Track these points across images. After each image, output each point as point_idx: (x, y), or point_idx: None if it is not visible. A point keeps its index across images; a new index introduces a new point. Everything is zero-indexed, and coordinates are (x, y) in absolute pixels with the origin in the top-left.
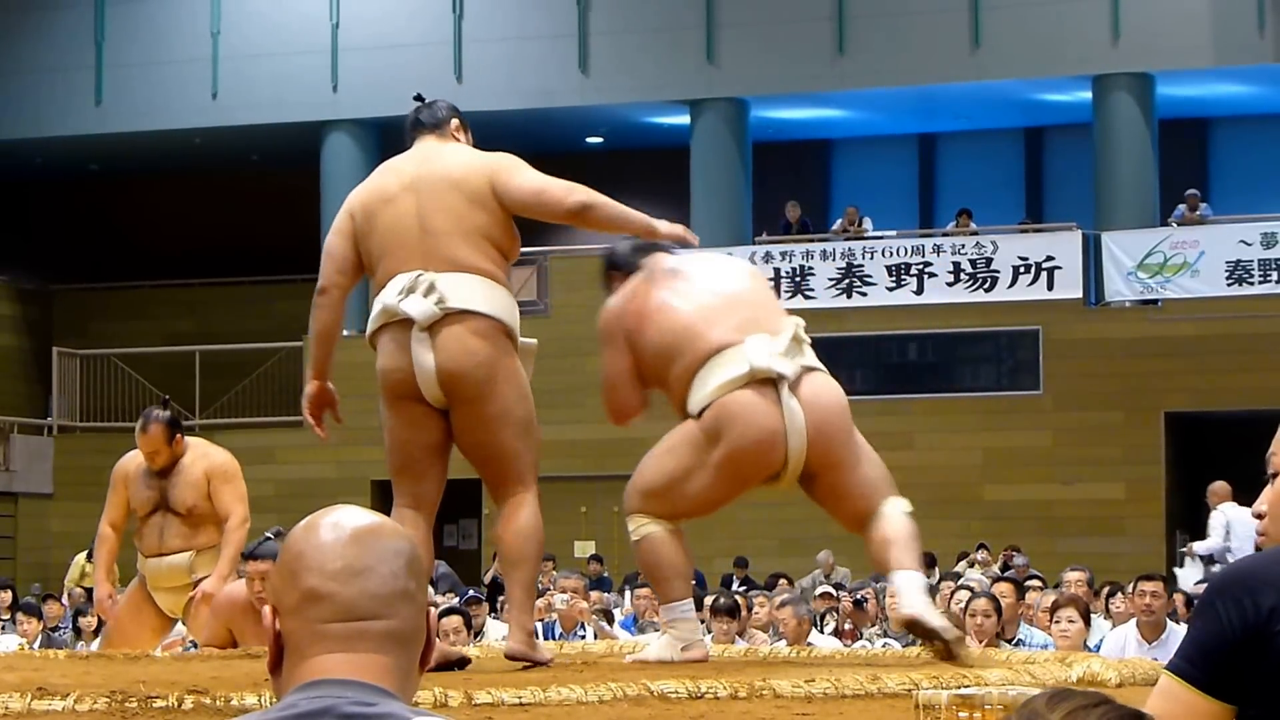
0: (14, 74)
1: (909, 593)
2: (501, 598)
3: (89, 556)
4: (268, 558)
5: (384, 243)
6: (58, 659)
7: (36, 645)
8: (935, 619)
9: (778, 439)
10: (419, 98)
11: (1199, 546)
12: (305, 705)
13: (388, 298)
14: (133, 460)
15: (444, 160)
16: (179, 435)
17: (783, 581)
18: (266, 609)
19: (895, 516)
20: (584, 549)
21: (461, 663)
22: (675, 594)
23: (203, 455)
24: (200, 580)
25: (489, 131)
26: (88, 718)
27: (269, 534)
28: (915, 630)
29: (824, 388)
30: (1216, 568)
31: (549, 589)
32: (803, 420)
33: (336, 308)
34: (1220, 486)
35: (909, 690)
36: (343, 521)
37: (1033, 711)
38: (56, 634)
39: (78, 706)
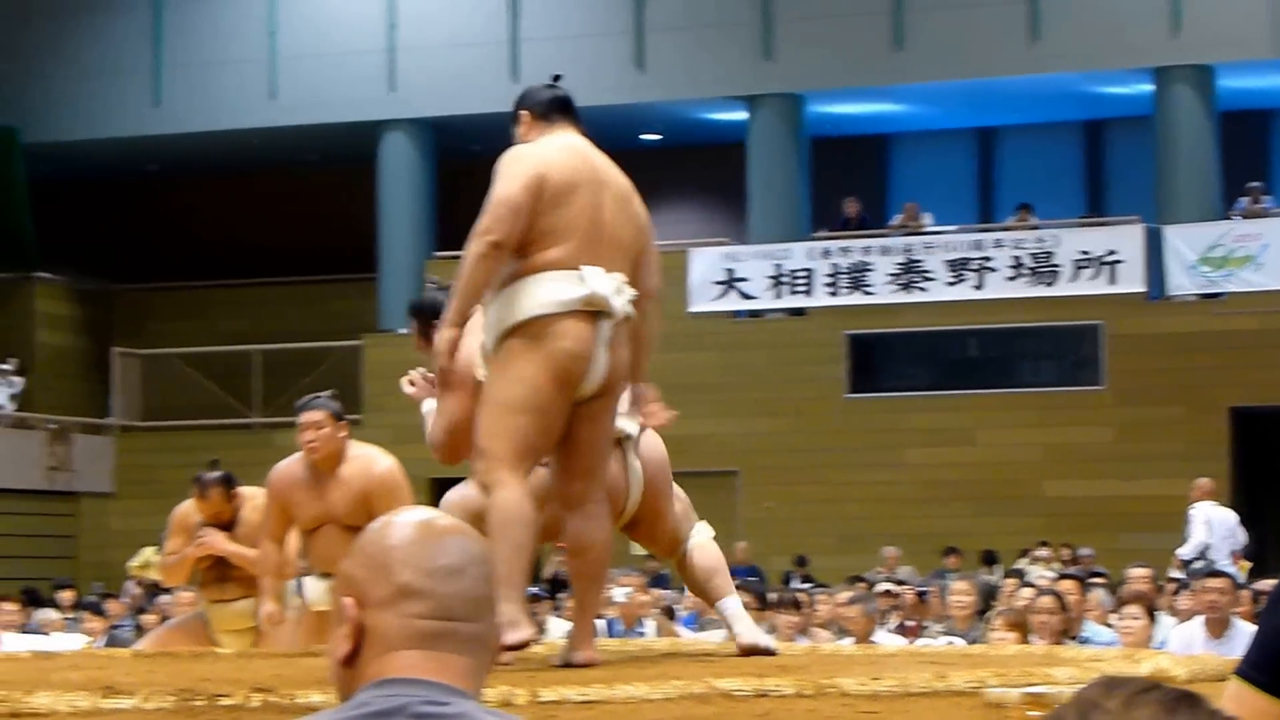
0: (73, 76)
1: (740, 620)
2: (565, 594)
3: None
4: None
5: (572, 227)
6: (122, 657)
7: (100, 644)
8: (766, 641)
9: (621, 493)
10: (558, 77)
11: (1183, 551)
12: (378, 704)
13: (599, 286)
14: (192, 509)
15: (615, 170)
16: (235, 491)
17: (860, 585)
18: (347, 600)
19: (708, 545)
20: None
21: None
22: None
23: (258, 508)
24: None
25: None
26: (155, 716)
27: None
28: (755, 654)
29: (652, 442)
30: (1201, 564)
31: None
32: (641, 474)
33: (501, 266)
34: (1205, 483)
35: (976, 689)
36: (432, 522)
37: (1089, 702)
38: (119, 632)
39: (145, 705)
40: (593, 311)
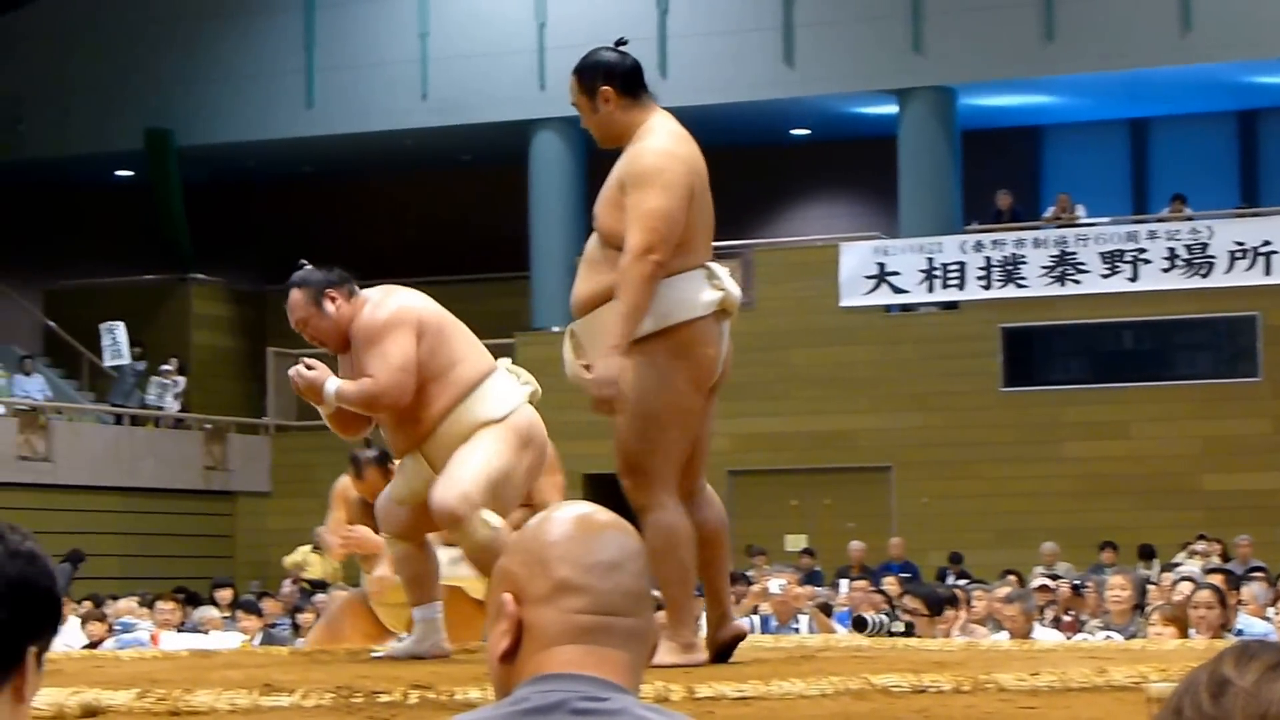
0: (227, 79)
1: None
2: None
3: (313, 548)
4: None
5: (698, 224)
6: (280, 655)
7: (256, 642)
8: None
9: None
10: (623, 41)
11: None
12: (537, 699)
13: (730, 286)
14: (347, 485)
15: None
16: (392, 466)
17: (1011, 578)
18: (507, 596)
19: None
20: (795, 542)
21: None
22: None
23: None
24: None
25: (694, 127)
26: (314, 713)
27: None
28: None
29: None
30: None
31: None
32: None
33: None
34: None
35: (1137, 684)
36: (591, 516)
37: (1220, 679)
38: (275, 630)
39: (303, 702)
40: (713, 311)
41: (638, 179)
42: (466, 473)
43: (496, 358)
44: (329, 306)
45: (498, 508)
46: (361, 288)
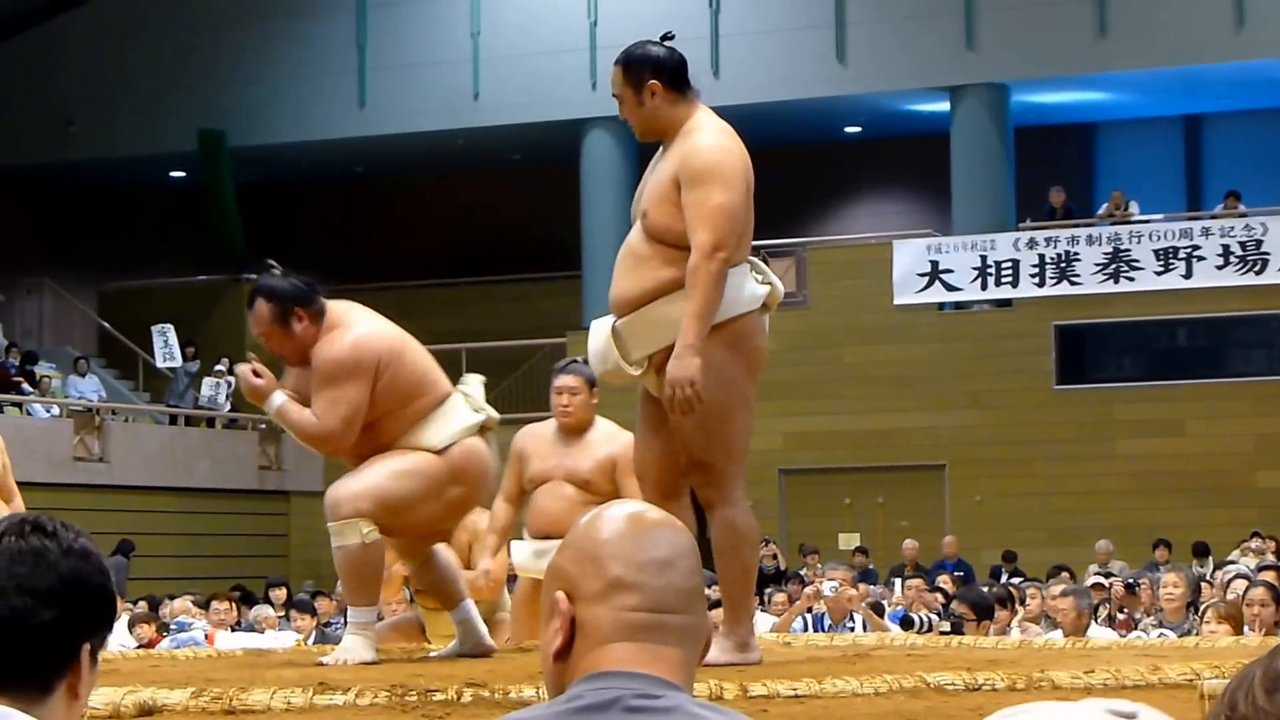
0: (279, 79)
1: (480, 622)
2: (769, 589)
3: None
4: (579, 374)
5: (749, 220)
6: None
7: (310, 641)
8: (491, 642)
9: (491, 482)
10: (669, 35)
11: None
12: (591, 697)
13: (774, 279)
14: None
15: None
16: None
17: (1064, 574)
18: (560, 594)
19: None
20: (848, 541)
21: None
22: (375, 600)
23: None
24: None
25: (746, 125)
26: (368, 712)
27: None
28: (480, 655)
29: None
30: None
31: (815, 580)
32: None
33: None
34: None
35: (1191, 681)
36: (643, 514)
37: (1275, 674)
38: (330, 630)
39: (358, 701)
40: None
41: (697, 176)
42: (372, 480)
43: (549, 357)
44: (295, 326)
45: (385, 525)
46: (409, 289)
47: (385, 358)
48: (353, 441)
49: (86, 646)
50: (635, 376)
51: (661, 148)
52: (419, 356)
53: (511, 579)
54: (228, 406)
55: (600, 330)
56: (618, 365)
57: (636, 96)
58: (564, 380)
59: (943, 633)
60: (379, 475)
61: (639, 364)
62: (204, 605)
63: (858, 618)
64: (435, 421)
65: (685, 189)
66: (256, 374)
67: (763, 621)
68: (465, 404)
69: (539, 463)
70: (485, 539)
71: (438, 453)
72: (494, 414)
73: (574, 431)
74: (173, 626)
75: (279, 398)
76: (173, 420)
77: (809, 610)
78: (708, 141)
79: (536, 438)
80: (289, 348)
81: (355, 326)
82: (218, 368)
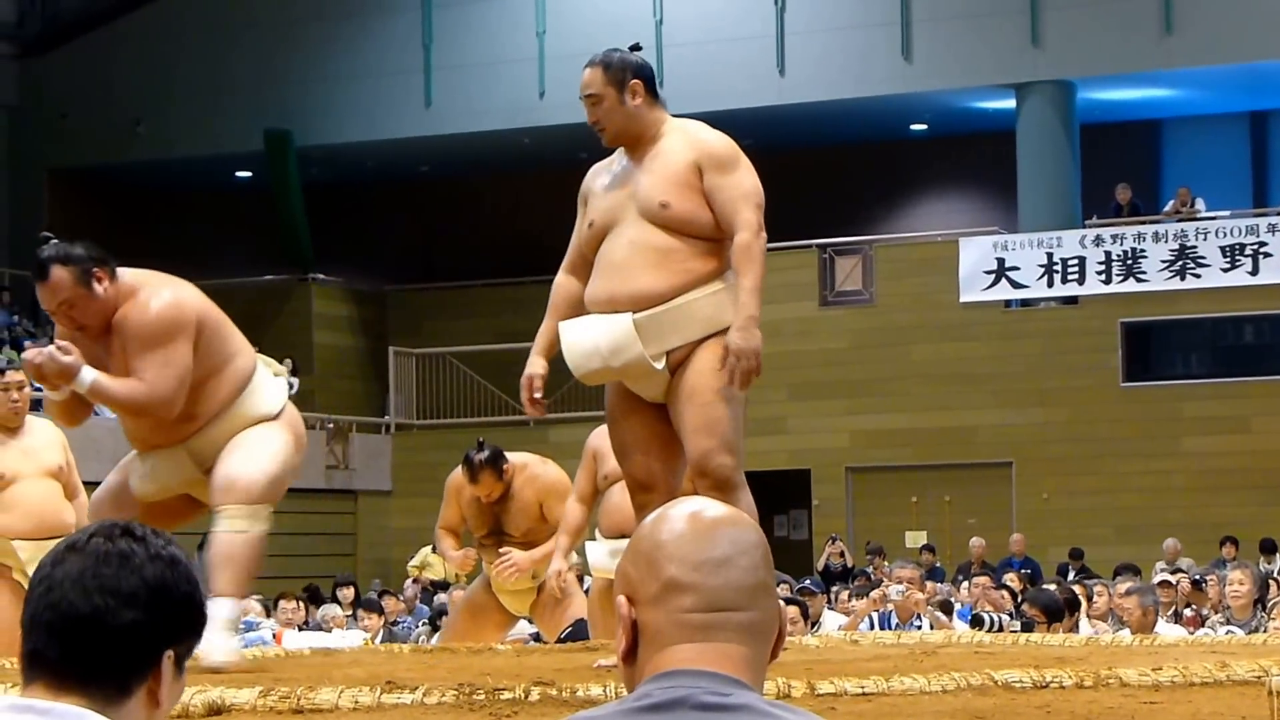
0: (346, 79)
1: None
2: (836, 587)
3: (434, 549)
4: None
5: None
6: (402, 653)
7: (378, 640)
8: (221, 659)
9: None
10: (637, 46)
11: None
12: (659, 695)
13: None
14: (462, 479)
15: None
16: (506, 465)
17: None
18: (621, 598)
19: (224, 536)
20: (915, 539)
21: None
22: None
23: (531, 478)
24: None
25: (812, 123)
26: (436, 710)
27: None
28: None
29: None
30: None
31: (883, 580)
32: None
33: None
34: None
35: (1259, 678)
36: (700, 512)
37: None
38: (397, 629)
39: (426, 699)
40: None
41: (725, 161)
42: (259, 465)
43: None
44: (97, 289)
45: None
46: (474, 289)
47: (202, 316)
48: (182, 405)
49: (170, 654)
50: (658, 372)
51: (624, 155)
52: (226, 319)
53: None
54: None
55: (609, 326)
56: (641, 360)
57: (619, 96)
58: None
59: (1013, 633)
60: (262, 459)
61: (658, 359)
62: (272, 605)
63: (925, 618)
64: (260, 388)
65: (714, 174)
66: (64, 350)
67: (830, 620)
68: (268, 369)
69: (613, 461)
70: (558, 539)
71: (274, 417)
72: (293, 380)
73: None
74: (241, 626)
75: (90, 373)
76: None
77: (876, 610)
78: (719, 134)
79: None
80: (91, 312)
81: (162, 287)
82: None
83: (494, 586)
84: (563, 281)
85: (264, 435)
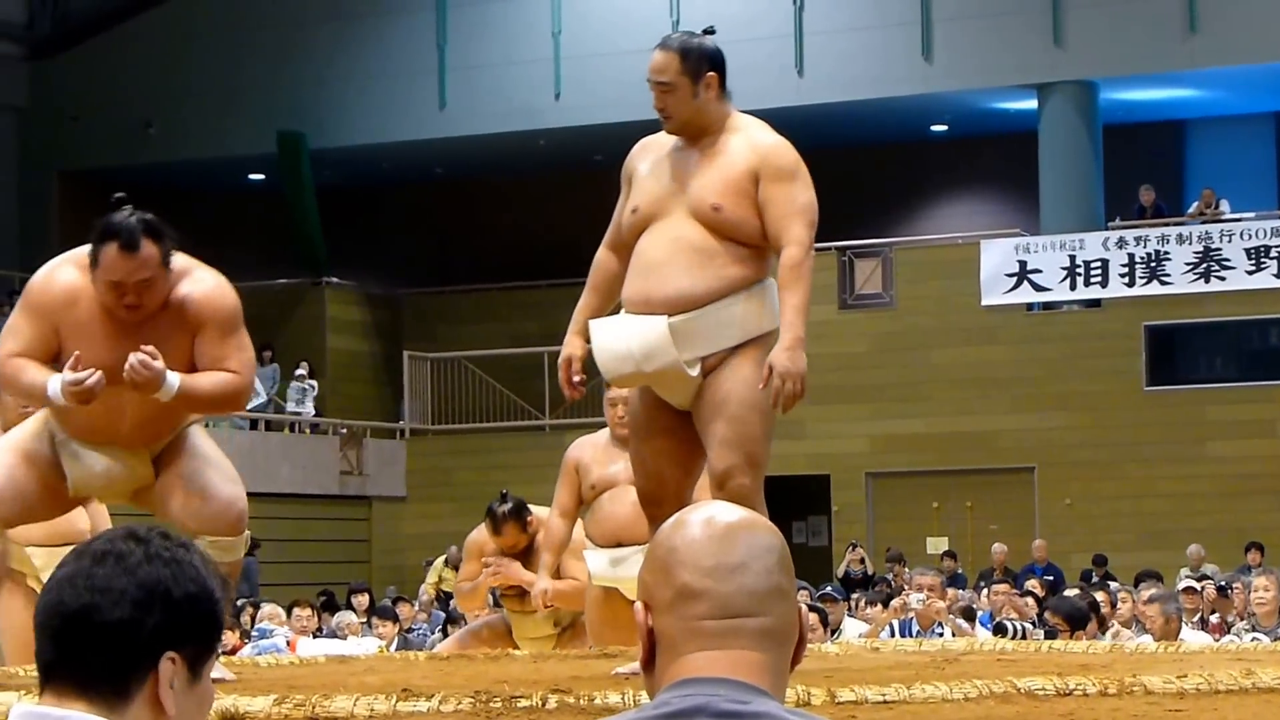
0: (359, 80)
1: None
2: (856, 594)
3: (446, 562)
4: None
5: None
6: (418, 660)
7: (393, 648)
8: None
9: None
10: (710, 30)
11: None
12: (678, 703)
13: None
14: (486, 535)
15: None
16: (530, 517)
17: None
18: (638, 605)
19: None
20: (937, 545)
21: None
22: None
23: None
24: (564, 630)
25: (831, 124)
26: (452, 718)
27: None
28: None
29: None
30: None
31: (904, 587)
32: None
33: None
34: None
35: None
36: (715, 517)
37: None
38: (412, 636)
39: (442, 707)
40: None
41: (785, 171)
42: (239, 487)
43: None
44: (171, 267)
45: None
46: (490, 292)
47: None
48: None
49: (171, 655)
50: (690, 379)
51: (681, 145)
52: None
53: None
54: (311, 411)
55: (643, 329)
56: (675, 366)
57: (693, 88)
58: (617, 392)
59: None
60: (232, 471)
61: (692, 365)
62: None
63: (947, 627)
64: None
65: (771, 183)
66: (152, 355)
67: (851, 628)
68: None
69: (599, 470)
70: (542, 557)
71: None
72: (312, 382)
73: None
74: (254, 633)
75: (174, 376)
76: (253, 425)
77: (896, 618)
78: (781, 140)
79: (594, 447)
80: (158, 294)
81: (207, 269)
82: (299, 372)
83: (515, 635)
84: (605, 259)
85: (210, 445)
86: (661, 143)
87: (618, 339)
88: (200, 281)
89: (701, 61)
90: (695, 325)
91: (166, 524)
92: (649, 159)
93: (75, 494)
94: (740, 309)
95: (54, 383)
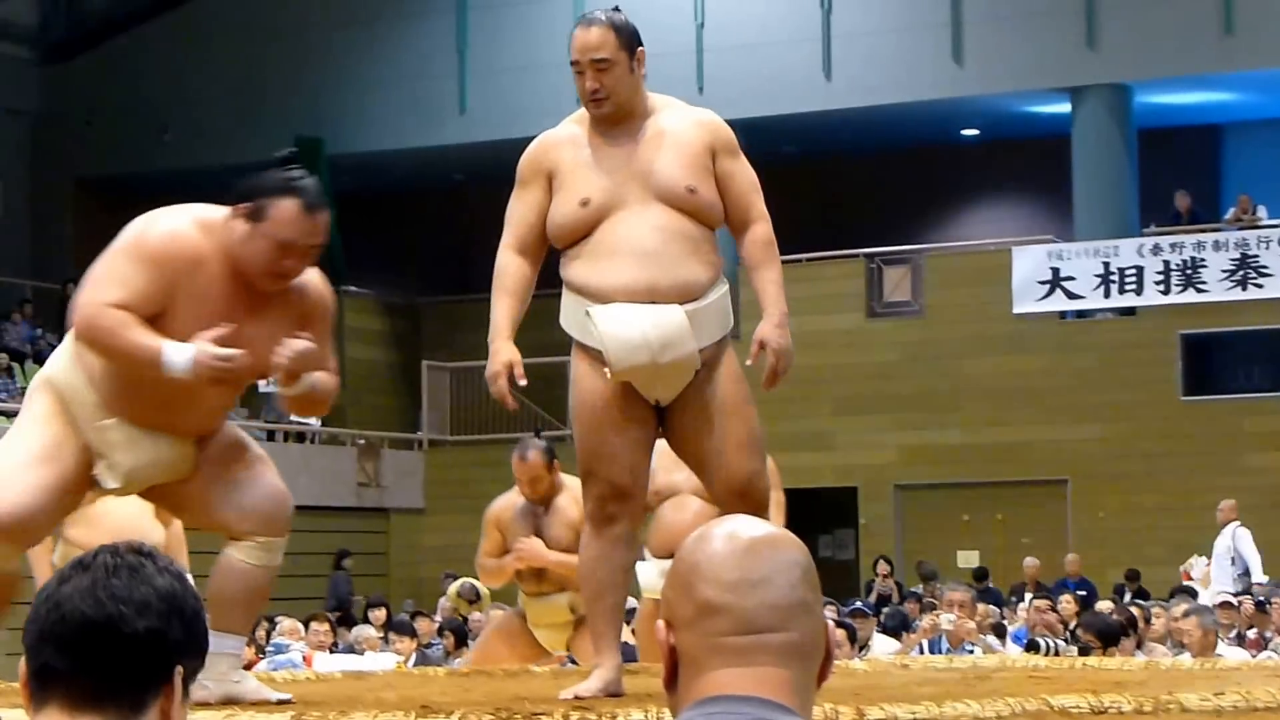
0: (378, 85)
1: (232, 673)
2: (887, 609)
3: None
4: None
5: None
6: (436, 676)
7: (411, 663)
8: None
9: None
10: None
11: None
12: None
13: None
14: (506, 503)
15: None
16: (555, 462)
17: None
18: (660, 623)
19: (255, 569)
20: (967, 559)
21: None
22: None
23: (577, 499)
24: (582, 617)
25: (860, 128)
26: None
27: None
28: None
29: None
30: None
31: (934, 603)
32: None
33: None
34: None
35: None
36: (738, 532)
37: None
38: (430, 651)
39: None
40: None
41: (733, 145)
42: (285, 488)
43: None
44: None
45: None
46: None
47: None
48: None
49: (180, 670)
50: (691, 372)
51: (596, 128)
52: None
53: None
54: (318, 422)
55: (658, 318)
56: (691, 357)
57: (630, 63)
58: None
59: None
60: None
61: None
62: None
63: (977, 647)
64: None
65: (727, 159)
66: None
67: (880, 644)
68: None
69: (664, 476)
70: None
71: None
72: None
73: None
74: (269, 649)
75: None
76: (270, 436)
77: (927, 637)
78: (711, 112)
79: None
80: (303, 272)
81: None
82: None
83: (530, 621)
84: (514, 262)
85: (255, 447)
86: (575, 134)
87: (631, 327)
88: (311, 273)
89: (634, 37)
90: (702, 315)
91: (193, 524)
92: (569, 151)
93: (124, 488)
94: (723, 300)
95: (182, 352)
